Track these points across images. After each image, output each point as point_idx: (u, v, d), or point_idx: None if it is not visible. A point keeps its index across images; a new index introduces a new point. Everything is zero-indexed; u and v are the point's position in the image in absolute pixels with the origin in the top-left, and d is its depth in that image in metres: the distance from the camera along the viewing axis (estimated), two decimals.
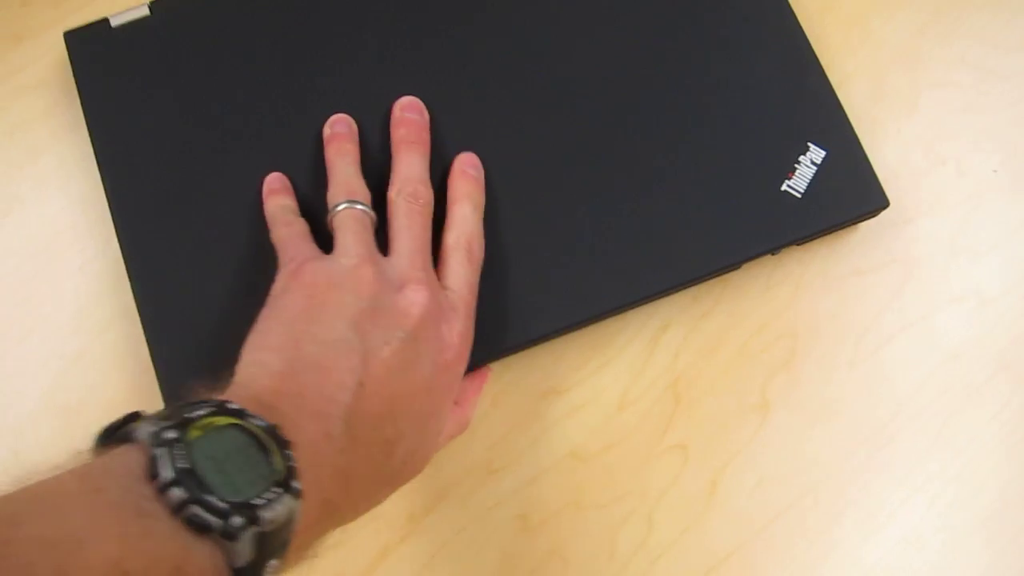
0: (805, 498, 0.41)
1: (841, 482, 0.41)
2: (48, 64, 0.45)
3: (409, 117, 0.40)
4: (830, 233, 0.42)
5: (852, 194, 0.41)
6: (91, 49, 0.42)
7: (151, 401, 0.39)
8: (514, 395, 0.41)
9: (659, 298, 0.41)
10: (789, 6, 0.43)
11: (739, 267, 0.41)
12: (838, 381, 0.42)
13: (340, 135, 0.40)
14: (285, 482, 0.25)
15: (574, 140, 0.41)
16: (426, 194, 0.38)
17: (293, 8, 0.42)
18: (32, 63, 0.45)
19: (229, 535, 0.23)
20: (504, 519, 0.40)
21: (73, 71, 0.42)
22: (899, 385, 0.42)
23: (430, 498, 0.40)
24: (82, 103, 0.41)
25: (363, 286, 0.33)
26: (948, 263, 0.43)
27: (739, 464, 0.41)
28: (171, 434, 0.24)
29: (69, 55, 0.42)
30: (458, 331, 0.35)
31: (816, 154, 0.41)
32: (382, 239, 0.37)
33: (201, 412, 0.25)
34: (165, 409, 0.26)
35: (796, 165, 0.41)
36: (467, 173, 0.40)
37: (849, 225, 0.42)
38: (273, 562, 0.25)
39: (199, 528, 0.23)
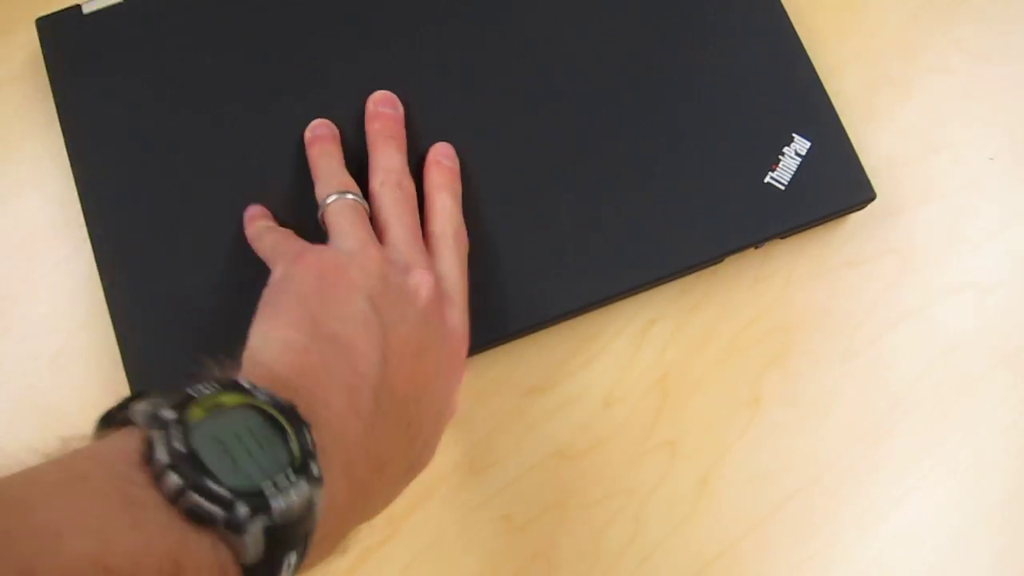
0: (798, 495, 0.39)
1: (836, 478, 0.40)
2: (23, 59, 0.44)
3: (384, 111, 0.39)
4: (815, 226, 0.41)
5: (837, 186, 0.40)
6: (63, 36, 0.41)
7: None
8: (498, 392, 0.41)
9: (643, 292, 0.40)
10: None
11: (722, 260, 0.40)
12: (832, 375, 0.41)
13: (322, 136, 0.39)
14: (303, 467, 0.23)
15: (556, 131, 0.40)
16: (409, 185, 0.37)
17: None
18: (7, 59, 0.44)
19: (234, 527, 0.21)
20: (488, 520, 0.39)
21: (44, 60, 0.41)
22: (896, 378, 0.41)
23: (412, 498, 0.39)
24: (53, 92, 0.41)
25: (372, 263, 0.32)
26: (945, 253, 0.42)
27: (730, 461, 0.40)
28: (169, 414, 0.22)
29: (40, 43, 0.41)
30: (459, 318, 0.35)
31: (801, 145, 0.40)
32: None
33: (206, 391, 0.23)
34: (169, 388, 0.24)
35: (780, 156, 0.40)
36: (442, 164, 0.39)
37: (835, 218, 0.41)
38: (292, 557, 0.22)
39: (199, 519, 0.21)
